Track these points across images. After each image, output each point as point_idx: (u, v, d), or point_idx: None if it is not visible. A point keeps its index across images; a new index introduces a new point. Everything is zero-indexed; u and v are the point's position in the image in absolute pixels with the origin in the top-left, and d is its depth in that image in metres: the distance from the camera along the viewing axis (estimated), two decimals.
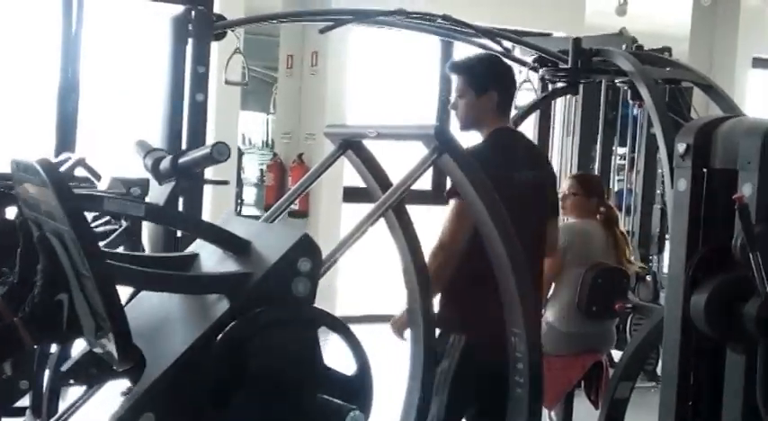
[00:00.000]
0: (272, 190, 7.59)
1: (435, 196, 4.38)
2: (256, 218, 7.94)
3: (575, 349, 4.00)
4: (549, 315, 3.96)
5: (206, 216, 4.17)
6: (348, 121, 6.35)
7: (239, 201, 8.13)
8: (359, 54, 7.61)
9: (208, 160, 2.44)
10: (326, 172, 2.42)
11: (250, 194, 8.90)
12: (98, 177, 4.58)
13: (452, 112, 3.33)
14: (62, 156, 4.86)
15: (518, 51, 5.21)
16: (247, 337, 2.01)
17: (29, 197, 2.21)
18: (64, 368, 2.48)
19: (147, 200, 2.94)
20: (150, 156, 2.73)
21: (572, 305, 3.95)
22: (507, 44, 4.83)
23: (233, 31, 3.88)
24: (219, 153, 2.40)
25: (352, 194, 6.93)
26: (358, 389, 2.02)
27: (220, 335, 2.00)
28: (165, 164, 2.63)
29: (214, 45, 3.64)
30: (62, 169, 4.61)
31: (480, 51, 4.52)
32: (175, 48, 3.53)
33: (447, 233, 3.05)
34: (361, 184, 2.47)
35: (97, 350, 2.27)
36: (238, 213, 7.24)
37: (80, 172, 4.65)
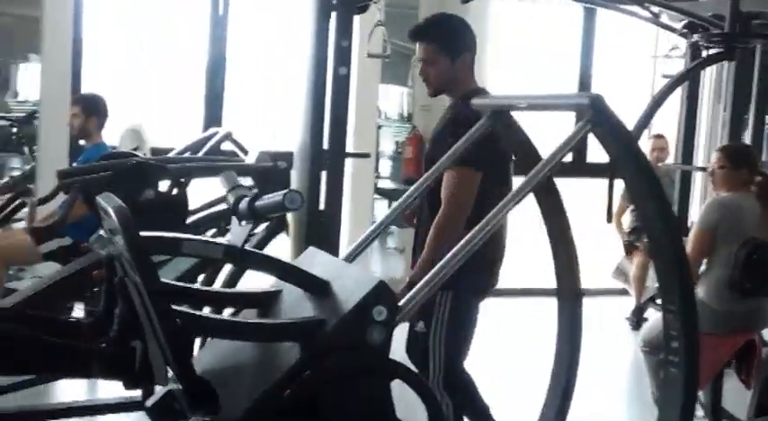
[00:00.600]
0: (410, 163, 7.58)
1: (577, 168, 4.24)
2: (393, 191, 7.96)
3: (727, 328, 3.83)
4: (700, 292, 3.82)
5: (346, 189, 4.20)
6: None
7: (376, 174, 8.17)
8: (499, 24, 7.51)
9: (279, 207, 2.44)
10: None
11: (386, 167, 8.93)
12: (245, 151, 4.70)
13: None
14: (210, 131, 5.02)
15: (665, 17, 5.00)
16: (319, 388, 1.96)
17: (111, 235, 2.20)
18: (149, 403, 2.49)
19: (231, 235, 2.89)
20: (233, 192, 2.72)
21: (725, 282, 3.79)
22: (654, 9, 4.65)
23: (375, 3, 3.87)
24: (291, 201, 2.38)
25: None
26: None
27: (292, 386, 1.96)
28: (243, 205, 2.62)
29: (356, 18, 3.64)
30: (210, 143, 4.76)
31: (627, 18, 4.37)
32: (319, 22, 3.54)
33: (458, 204, 3.00)
34: None
35: (176, 390, 2.27)
36: (375, 187, 7.28)
37: (227, 146, 4.81)
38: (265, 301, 2.33)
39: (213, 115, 6.09)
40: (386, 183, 8.56)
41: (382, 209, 7.49)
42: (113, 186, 3.64)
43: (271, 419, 1.97)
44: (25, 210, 4.34)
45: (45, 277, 3.60)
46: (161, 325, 1.91)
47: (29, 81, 7.56)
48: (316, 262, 2.32)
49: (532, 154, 2.23)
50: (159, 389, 2.16)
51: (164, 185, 3.88)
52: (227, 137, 4.80)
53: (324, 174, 3.80)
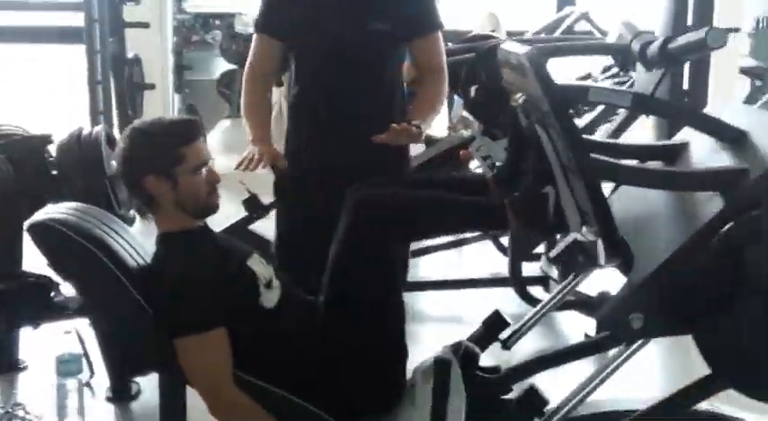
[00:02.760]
0: None
1: None
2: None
3: None
4: None
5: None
6: None
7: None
8: None
9: (701, 47, 2.16)
10: None
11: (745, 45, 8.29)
12: (603, 32, 4.58)
13: None
14: (564, 11, 4.94)
15: None
16: (746, 241, 1.85)
17: (516, 81, 2.20)
18: (552, 254, 2.52)
19: (635, 87, 2.78)
20: (638, 39, 2.56)
21: None
22: None
23: None
24: (714, 39, 2.09)
25: None
26: None
27: (716, 238, 1.87)
28: (652, 49, 2.42)
29: None
30: (566, 23, 4.69)
31: None
32: None
33: None
34: None
35: (582, 239, 2.25)
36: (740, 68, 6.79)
37: (582, 26, 4.71)
38: (671, 153, 2.26)
39: None
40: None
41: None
42: (475, 68, 3.74)
43: (691, 273, 1.90)
44: None
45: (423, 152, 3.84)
46: (578, 168, 1.90)
47: None
48: (730, 114, 2.17)
49: None
50: (563, 240, 2.22)
51: None
52: (584, 16, 4.70)
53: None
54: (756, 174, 1.88)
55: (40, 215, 2.13)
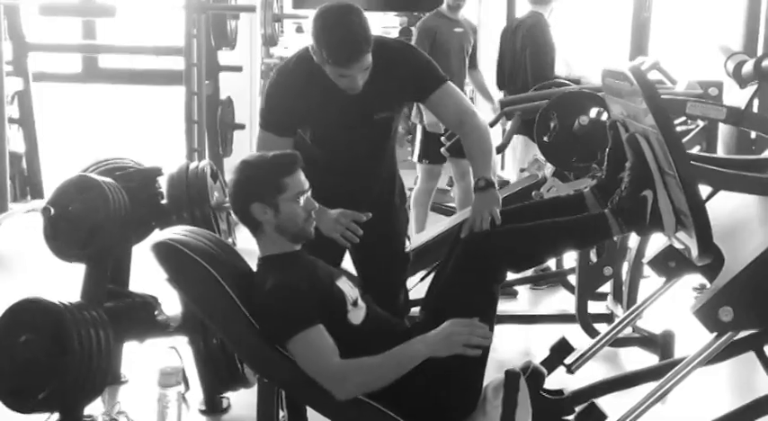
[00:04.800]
0: None
1: None
2: None
3: None
4: None
5: None
6: None
7: None
8: None
9: None
10: None
11: None
12: (673, 81, 4.76)
13: None
14: (637, 60, 5.13)
15: None
16: None
17: (618, 100, 2.46)
18: (644, 260, 2.72)
19: (725, 102, 3.01)
20: (732, 59, 2.79)
21: None
22: None
23: None
24: None
25: None
26: None
27: None
28: (747, 67, 2.66)
29: None
30: None
31: None
32: None
33: None
34: None
35: (677, 245, 2.46)
36: None
37: (654, 75, 4.90)
38: (761, 166, 2.49)
39: (639, 44, 6.15)
40: None
41: None
42: (548, 113, 3.95)
43: None
44: None
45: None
46: (678, 171, 2.09)
47: None
48: None
49: None
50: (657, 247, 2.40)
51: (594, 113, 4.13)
52: (655, 66, 4.88)
53: (756, 102, 3.79)
54: None
55: (160, 236, 2.41)
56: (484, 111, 3.09)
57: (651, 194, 2.28)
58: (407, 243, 2.97)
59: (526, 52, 5.23)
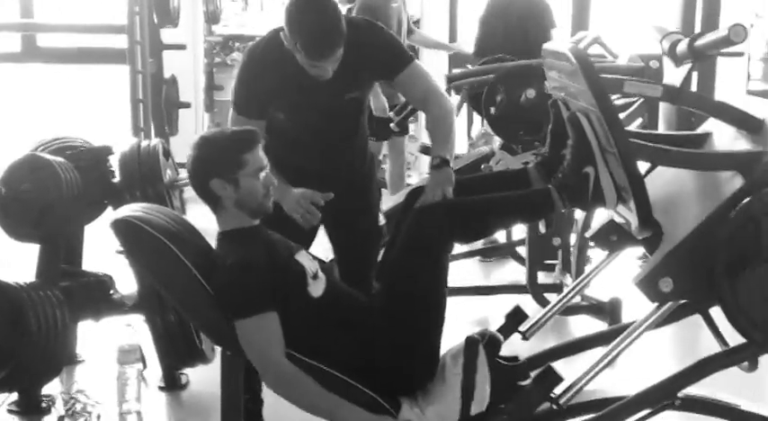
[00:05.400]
0: None
1: None
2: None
3: None
4: None
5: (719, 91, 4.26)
6: None
7: (747, 76, 7.85)
8: None
9: (725, 42, 2.47)
10: None
11: (758, 69, 8.53)
12: (614, 55, 4.86)
13: None
14: (578, 35, 5.22)
15: None
16: (762, 213, 2.14)
17: (558, 79, 2.52)
18: (588, 234, 2.81)
19: (664, 80, 3.09)
20: (667, 39, 2.86)
21: None
22: None
23: None
24: (736, 35, 2.40)
25: None
26: None
27: (735, 210, 2.17)
28: (681, 47, 2.73)
29: None
30: (580, 46, 4.97)
31: None
32: None
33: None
34: None
35: (618, 219, 2.56)
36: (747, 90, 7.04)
37: (595, 49, 4.99)
38: (697, 141, 2.56)
39: (581, 19, 6.27)
40: (758, 85, 8.20)
41: None
42: (495, 87, 4.02)
43: (714, 241, 2.18)
44: None
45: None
46: (617, 147, 2.17)
47: None
48: (749, 106, 2.46)
49: None
50: (600, 220, 2.53)
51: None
52: (596, 40, 4.98)
53: (695, 74, 3.91)
54: None
55: (120, 213, 2.42)
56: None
57: (593, 171, 2.36)
58: (381, 217, 3.00)
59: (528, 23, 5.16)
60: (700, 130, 2.68)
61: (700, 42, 2.66)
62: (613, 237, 2.61)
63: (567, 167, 2.42)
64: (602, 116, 2.22)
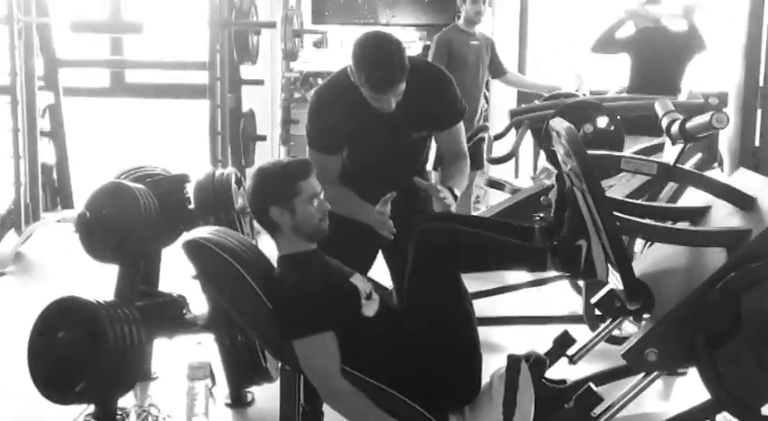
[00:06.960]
0: None
1: None
2: None
3: None
4: None
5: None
6: None
7: None
8: None
9: (707, 127, 2.63)
10: None
11: None
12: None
13: None
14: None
15: None
16: (743, 289, 2.23)
17: (562, 154, 2.62)
18: (593, 300, 2.88)
19: (663, 157, 3.13)
20: (666, 117, 2.95)
21: None
22: None
23: None
24: (718, 121, 2.57)
25: None
26: None
27: (719, 285, 2.26)
28: (674, 128, 2.83)
29: None
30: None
31: None
32: None
33: None
34: None
35: (614, 287, 2.64)
36: None
37: None
38: (697, 215, 2.64)
39: None
40: None
41: None
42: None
43: (698, 315, 2.27)
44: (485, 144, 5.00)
45: (508, 199, 4.23)
46: (605, 227, 2.28)
47: None
48: (745, 181, 2.56)
49: None
50: (604, 288, 2.58)
51: (602, 122, 4.31)
52: None
53: (759, 112, 3.95)
54: (756, 234, 2.27)
55: (191, 234, 2.60)
56: None
57: (585, 244, 2.46)
58: None
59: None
60: (701, 204, 2.74)
61: (690, 125, 2.75)
62: (617, 303, 2.70)
63: (563, 237, 2.52)
64: (589, 193, 2.32)
